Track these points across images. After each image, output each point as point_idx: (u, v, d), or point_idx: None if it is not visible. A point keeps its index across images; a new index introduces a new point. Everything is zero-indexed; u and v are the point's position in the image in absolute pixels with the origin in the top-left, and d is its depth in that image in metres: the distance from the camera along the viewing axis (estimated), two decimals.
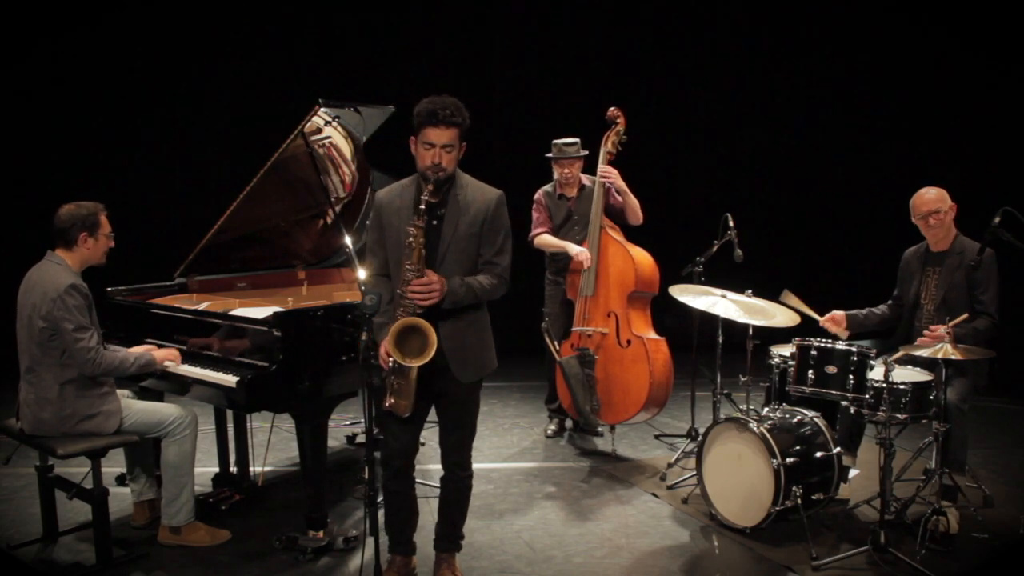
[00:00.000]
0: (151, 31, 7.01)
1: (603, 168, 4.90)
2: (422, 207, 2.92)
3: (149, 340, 4.01)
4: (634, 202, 4.99)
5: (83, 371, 3.49)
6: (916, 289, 4.17)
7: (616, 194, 5.00)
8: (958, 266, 4.03)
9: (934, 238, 4.12)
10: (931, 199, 4.06)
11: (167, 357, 3.76)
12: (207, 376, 3.66)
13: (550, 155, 5.07)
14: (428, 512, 3.64)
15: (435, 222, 3.05)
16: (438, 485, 3.39)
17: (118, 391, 3.73)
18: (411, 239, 2.94)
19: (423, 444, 4.69)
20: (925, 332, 3.90)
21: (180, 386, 3.84)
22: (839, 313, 4.26)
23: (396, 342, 2.88)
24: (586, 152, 5.01)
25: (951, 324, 3.74)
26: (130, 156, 7.15)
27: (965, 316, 3.85)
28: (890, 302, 4.33)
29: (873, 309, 4.33)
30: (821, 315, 4.23)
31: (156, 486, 3.98)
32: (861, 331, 4.30)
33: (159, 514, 3.89)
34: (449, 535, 3.38)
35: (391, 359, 2.94)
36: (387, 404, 3.02)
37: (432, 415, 3.29)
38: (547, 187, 5.20)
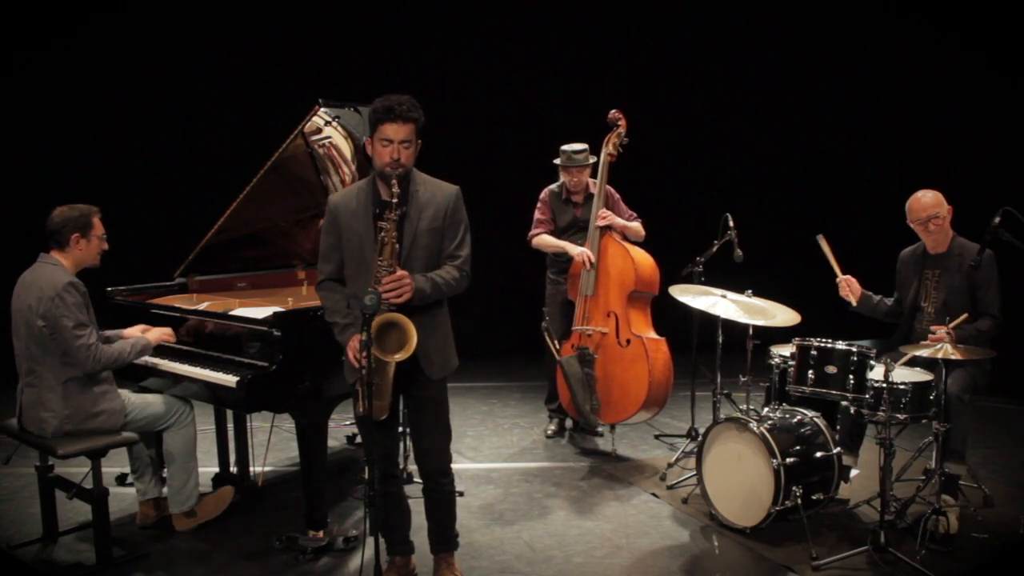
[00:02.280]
0: (151, 31, 7.01)
1: (601, 213, 4.88)
2: (394, 201, 2.91)
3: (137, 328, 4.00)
4: (632, 227, 4.98)
5: (83, 368, 3.51)
6: (915, 291, 4.17)
7: (621, 202, 5.03)
8: (958, 268, 4.02)
9: (933, 242, 4.11)
10: (929, 204, 4.04)
11: (161, 337, 3.81)
12: (207, 376, 3.67)
13: (557, 161, 5.06)
14: (422, 512, 3.63)
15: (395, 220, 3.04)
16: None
17: (120, 391, 3.75)
18: (383, 234, 2.92)
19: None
20: (930, 337, 3.88)
21: (180, 386, 3.85)
22: (856, 283, 4.25)
23: (375, 340, 2.86)
24: (594, 159, 5.00)
25: (952, 325, 3.74)
26: (130, 156, 7.15)
27: (965, 316, 3.84)
28: (893, 300, 4.33)
29: (885, 298, 4.32)
30: (842, 273, 4.24)
31: (161, 484, 4.01)
32: (868, 313, 4.32)
33: (166, 513, 3.92)
34: (443, 538, 3.39)
35: (367, 357, 2.89)
36: (361, 408, 2.93)
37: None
38: (553, 187, 5.18)
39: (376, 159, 3.01)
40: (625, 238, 4.98)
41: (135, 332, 3.81)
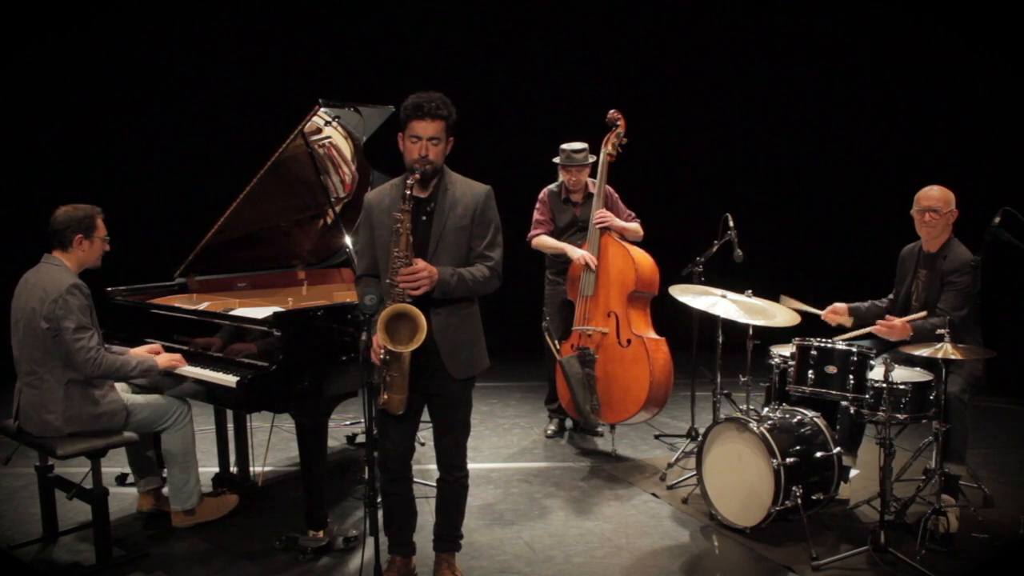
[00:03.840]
0: (151, 30, 7.02)
1: (598, 214, 4.88)
2: (408, 192, 2.94)
3: (149, 340, 4.01)
4: (631, 228, 4.97)
5: (82, 372, 3.49)
6: (908, 288, 4.17)
7: (620, 202, 5.03)
8: (939, 270, 4.02)
9: (925, 235, 4.10)
10: (933, 196, 4.03)
11: (170, 363, 3.75)
12: (207, 376, 3.67)
13: (557, 160, 5.06)
14: (427, 512, 3.64)
15: (424, 217, 3.06)
16: (435, 486, 3.39)
17: (119, 392, 3.74)
18: (398, 225, 2.95)
19: (422, 444, 4.71)
20: (878, 322, 3.93)
21: (180, 386, 3.84)
22: (840, 305, 4.25)
23: (386, 330, 2.88)
24: (594, 159, 5.01)
25: (907, 319, 3.85)
26: (130, 156, 7.15)
27: (924, 314, 3.92)
28: (891, 297, 4.33)
29: (876, 302, 4.32)
30: (820, 310, 4.23)
31: (160, 477, 4.03)
32: (864, 323, 4.28)
33: (164, 506, 3.95)
34: (448, 536, 3.39)
35: (382, 351, 2.93)
36: (380, 402, 3.02)
37: (425, 414, 3.30)
38: (552, 186, 5.18)
39: (405, 155, 3.05)
40: (623, 238, 4.98)
41: (142, 352, 3.77)
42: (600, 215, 4.88)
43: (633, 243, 4.98)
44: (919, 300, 4.10)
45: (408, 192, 2.94)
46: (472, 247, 3.11)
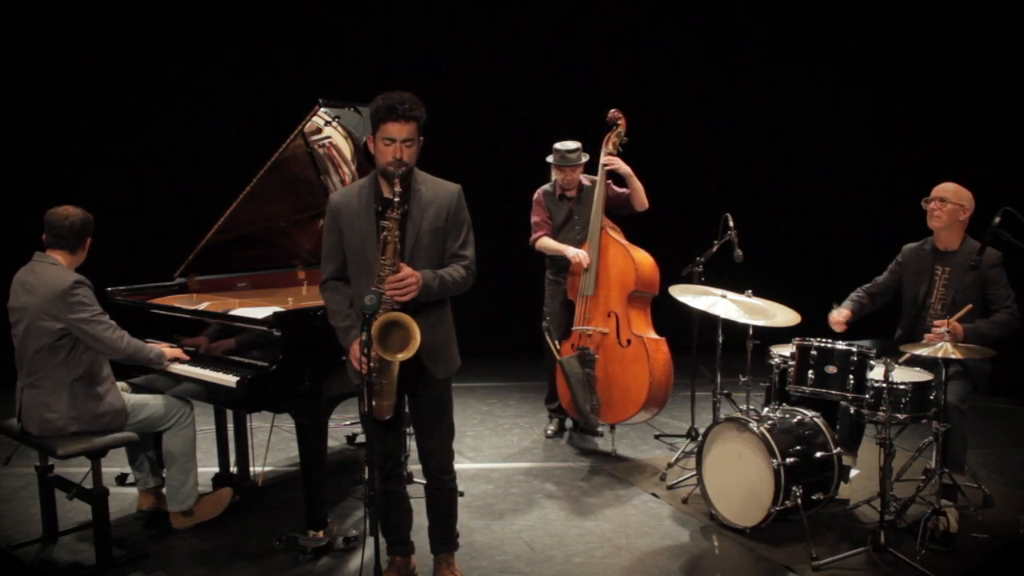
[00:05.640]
0: (152, 30, 7.01)
1: (606, 159, 4.89)
2: (396, 200, 2.90)
3: (150, 340, 4.01)
4: (639, 185, 4.97)
5: (111, 354, 3.58)
6: (925, 288, 4.15)
7: (616, 187, 5.02)
8: (968, 266, 4.02)
9: (934, 227, 4.10)
10: (946, 188, 4.06)
11: (175, 353, 3.85)
12: (207, 376, 3.67)
13: (550, 159, 5.06)
14: (424, 512, 3.63)
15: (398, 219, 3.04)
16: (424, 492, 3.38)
17: (120, 391, 3.75)
18: (386, 233, 2.91)
19: None
20: (933, 330, 3.90)
21: (180, 386, 3.85)
22: (843, 312, 4.27)
23: (378, 339, 2.86)
24: (587, 157, 5.01)
25: (956, 317, 3.78)
26: (130, 156, 7.15)
27: (969, 307, 3.87)
28: (867, 287, 4.34)
29: (863, 296, 4.33)
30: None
31: (160, 475, 4.04)
32: (867, 312, 4.34)
33: (164, 505, 3.95)
34: (444, 538, 3.39)
35: (371, 361, 2.87)
36: (365, 408, 2.96)
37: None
38: (546, 186, 5.19)
39: (378, 157, 3.00)
40: (624, 229, 4.98)
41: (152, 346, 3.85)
42: (607, 160, 4.87)
43: (637, 215, 4.99)
44: (940, 298, 4.09)
45: (396, 199, 2.90)
46: (447, 247, 3.09)
